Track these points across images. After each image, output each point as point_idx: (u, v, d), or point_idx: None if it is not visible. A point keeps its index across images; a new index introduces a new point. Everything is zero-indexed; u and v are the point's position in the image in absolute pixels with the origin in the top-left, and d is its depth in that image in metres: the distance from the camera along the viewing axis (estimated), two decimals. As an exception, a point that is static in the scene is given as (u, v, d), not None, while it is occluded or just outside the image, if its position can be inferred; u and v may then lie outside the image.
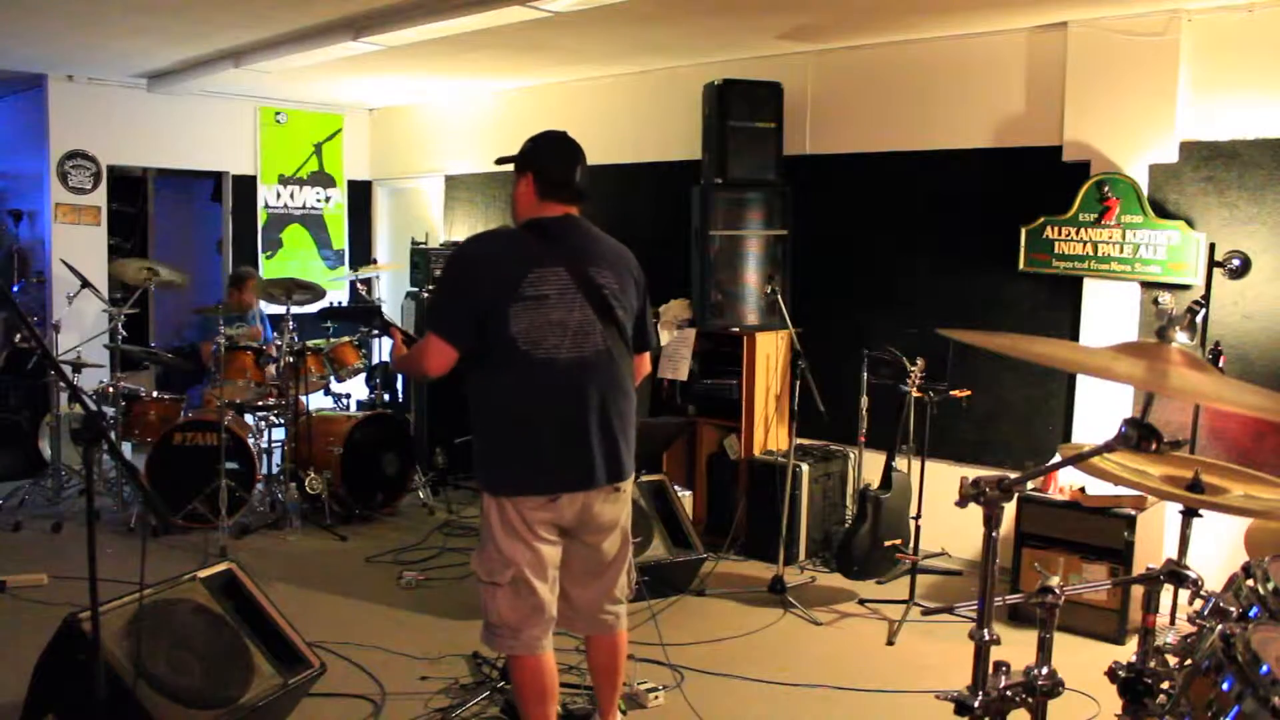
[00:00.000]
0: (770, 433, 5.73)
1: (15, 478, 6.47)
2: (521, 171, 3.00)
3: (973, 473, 2.07)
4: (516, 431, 2.91)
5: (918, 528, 4.86)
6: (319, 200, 8.68)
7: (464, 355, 2.90)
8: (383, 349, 7.30)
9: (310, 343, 6.37)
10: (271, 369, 5.98)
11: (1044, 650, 2.13)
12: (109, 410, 5.93)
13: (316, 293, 6.34)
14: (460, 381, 3.01)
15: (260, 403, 6.02)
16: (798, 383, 4.92)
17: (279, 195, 8.43)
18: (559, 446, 2.90)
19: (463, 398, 3.01)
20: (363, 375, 7.00)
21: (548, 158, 2.99)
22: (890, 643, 4.38)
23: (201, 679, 3.08)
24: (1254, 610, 2.15)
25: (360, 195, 9.01)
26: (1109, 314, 4.91)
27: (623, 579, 3.17)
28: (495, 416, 2.94)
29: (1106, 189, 4.78)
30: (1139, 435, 1.76)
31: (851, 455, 5.65)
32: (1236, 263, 4.48)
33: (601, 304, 2.93)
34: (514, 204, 3.06)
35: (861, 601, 4.84)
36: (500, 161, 3.13)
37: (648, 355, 3.22)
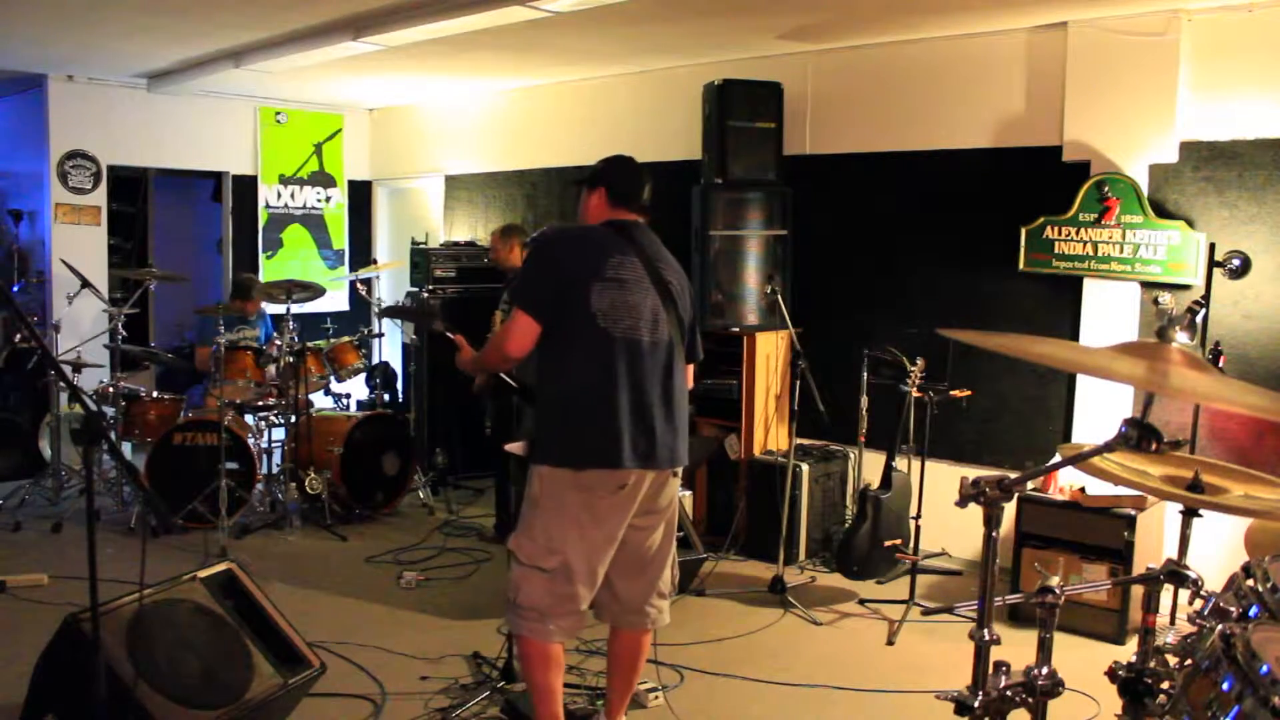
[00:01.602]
0: (770, 433, 5.73)
1: (15, 478, 6.47)
2: (594, 187, 3.22)
3: (973, 473, 2.07)
4: (591, 405, 2.99)
5: (918, 528, 4.86)
6: (319, 200, 8.68)
7: (545, 332, 3.03)
8: (383, 349, 7.29)
9: (310, 343, 6.36)
10: (271, 369, 5.97)
11: (1044, 650, 2.13)
12: (109, 410, 5.93)
13: (316, 292, 6.34)
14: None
15: (260, 403, 6.02)
16: (798, 383, 4.92)
17: (279, 195, 8.43)
18: (630, 422, 2.99)
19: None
20: (363, 375, 7.00)
21: (618, 173, 3.25)
22: (890, 643, 4.38)
23: (201, 679, 3.07)
24: (1254, 610, 2.15)
25: (360, 195, 9.01)
26: (1109, 314, 4.91)
27: (668, 572, 3.24)
28: (571, 391, 3.02)
29: (1106, 189, 4.78)
30: (1139, 435, 1.76)
31: (851, 455, 5.65)
32: (1236, 263, 4.48)
33: (669, 297, 3.11)
34: (584, 213, 3.26)
35: (861, 601, 4.84)
36: (577, 184, 3.35)
37: (693, 367, 3.31)
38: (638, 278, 3.05)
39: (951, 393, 4.87)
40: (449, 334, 3.54)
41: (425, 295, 7.02)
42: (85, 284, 6.31)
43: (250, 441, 5.85)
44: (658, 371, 3.05)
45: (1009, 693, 2.03)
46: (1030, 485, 4.57)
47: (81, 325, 6.98)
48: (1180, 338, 4.24)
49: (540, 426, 3.09)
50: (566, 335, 3.02)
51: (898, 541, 5.01)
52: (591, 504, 2.99)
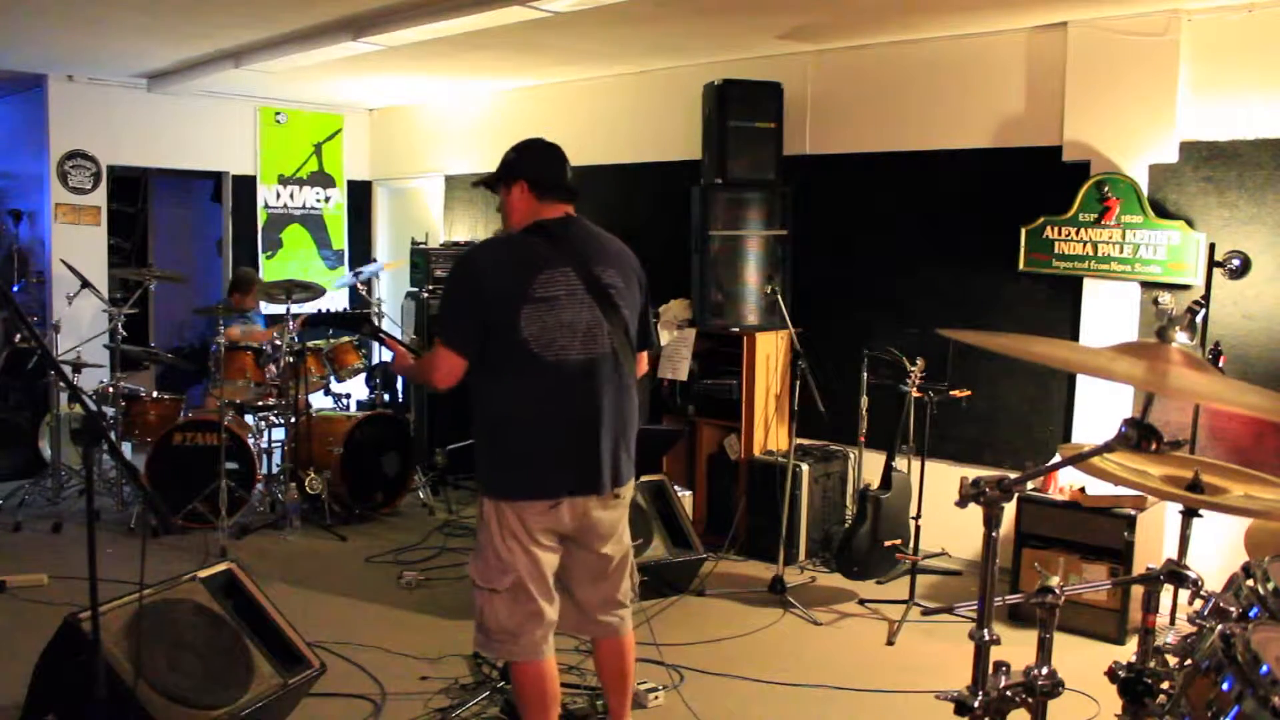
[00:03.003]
0: (770, 433, 5.73)
1: (15, 478, 6.47)
2: (512, 180, 2.99)
3: (973, 473, 2.07)
4: (523, 435, 2.88)
5: (918, 528, 4.86)
6: (319, 200, 8.68)
7: (472, 362, 2.88)
8: (382, 351, 7.29)
9: (310, 343, 6.36)
10: (272, 368, 5.98)
11: (1044, 650, 2.13)
12: (109, 410, 5.93)
13: (316, 292, 6.34)
14: (462, 384, 3.00)
15: (260, 403, 6.02)
16: (798, 383, 4.92)
17: (279, 195, 8.43)
18: (565, 450, 2.88)
19: (464, 398, 3.00)
20: (363, 375, 7.00)
21: (537, 162, 3.00)
22: (890, 643, 4.38)
23: (201, 679, 3.08)
24: (1254, 610, 2.15)
25: (360, 195, 9.00)
26: (1109, 314, 4.91)
27: (625, 583, 3.15)
28: (501, 419, 2.91)
29: (1106, 189, 4.78)
30: (1139, 435, 1.76)
31: (851, 455, 5.64)
32: (1236, 263, 4.48)
33: (608, 304, 2.93)
34: (508, 213, 3.03)
35: (861, 601, 4.84)
36: (478, 185, 3.14)
37: (646, 355, 3.19)
38: (570, 290, 2.85)
39: (951, 393, 4.87)
40: (380, 335, 3.42)
41: (425, 296, 7.02)
42: (85, 284, 6.31)
43: (250, 441, 5.85)
44: (597, 390, 2.89)
45: (1009, 693, 2.03)
46: (1030, 485, 4.57)
47: (81, 325, 6.98)
48: (1180, 338, 4.24)
49: (477, 453, 2.99)
50: (497, 363, 2.85)
51: (898, 541, 5.01)
52: (524, 519, 2.89)
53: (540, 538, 2.92)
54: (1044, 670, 2.09)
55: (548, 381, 2.85)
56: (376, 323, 3.61)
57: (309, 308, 6.75)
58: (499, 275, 2.86)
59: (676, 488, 5.14)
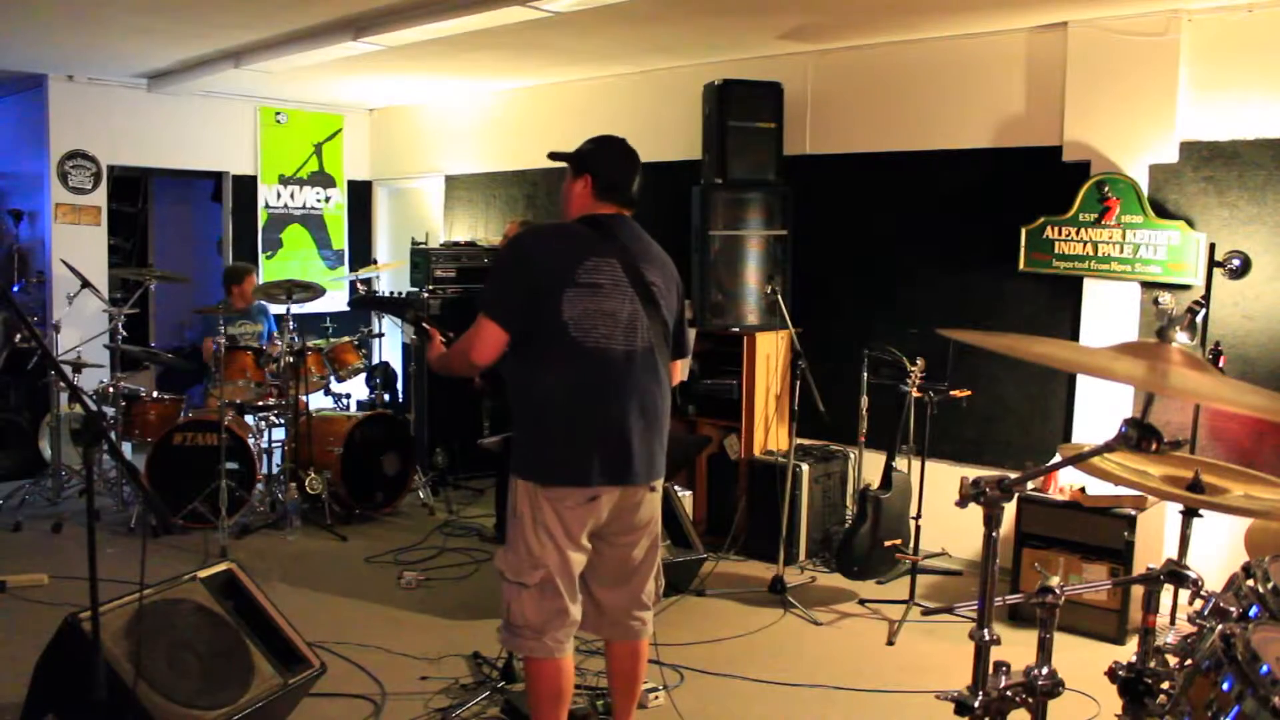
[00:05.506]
0: (770, 433, 5.73)
1: (15, 478, 6.47)
2: (579, 172, 3.03)
3: (973, 473, 2.07)
4: (561, 419, 2.88)
5: (918, 528, 4.86)
6: (319, 200, 8.68)
7: (514, 341, 2.90)
8: (383, 349, 7.29)
9: (310, 343, 6.36)
10: (272, 368, 5.97)
11: (1044, 650, 2.14)
12: (109, 410, 5.93)
13: (317, 292, 6.34)
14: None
15: (260, 403, 6.02)
16: (798, 383, 4.92)
17: (279, 195, 8.43)
18: (602, 437, 2.88)
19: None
20: (363, 375, 7.00)
21: (609, 163, 3.02)
22: (890, 643, 4.38)
23: (201, 679, 3.07)
24: (1254, 610, 2.15)
25: (360, 195, 9.00)
26: (1109, 314, 4.91)
27: (650, 584, 3.13)
28: (540, 404, 2.91)
29: (1106, 189, 4.78)
30: (1139, 435, 1.76)
31: (851, 455, 5.64)
32: (1236, 263, 4.48)
33: (650, 300, 2.95)
34: (565, 202, 3.08)
35: (861, 601, 4.84)
36: (554, 157, 3.16)
37: (680, 363, 3.21)
38: (615, 281, 2.88)
39: (951, 393, 4.87)
40: (424, 325, 3.43)
41: (425, 295, 7.02)
42: (85, 284, 6.31)
43: (250, 441, 5.85)
44: (634, 382, 2.90)
45: (1009, 693, 2.03)
46: (1030, 485, 4.57)
47: (81, 325, 6.98)
48: (1180, 338, 4.24)
49: (514, 438, 3.00)
50: (537, 346, 2.88)
51: (898, 541, 5.01)
52: (561, 514, 2.89)
53: (576, 533, 2.91)
54: (1044, 670, 2.09)
55: (587, 368, 2.87)
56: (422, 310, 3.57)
57: (308, 306, 6.74)
58: (546, 257, 2.91)
59: (676, 488, 5.14)
